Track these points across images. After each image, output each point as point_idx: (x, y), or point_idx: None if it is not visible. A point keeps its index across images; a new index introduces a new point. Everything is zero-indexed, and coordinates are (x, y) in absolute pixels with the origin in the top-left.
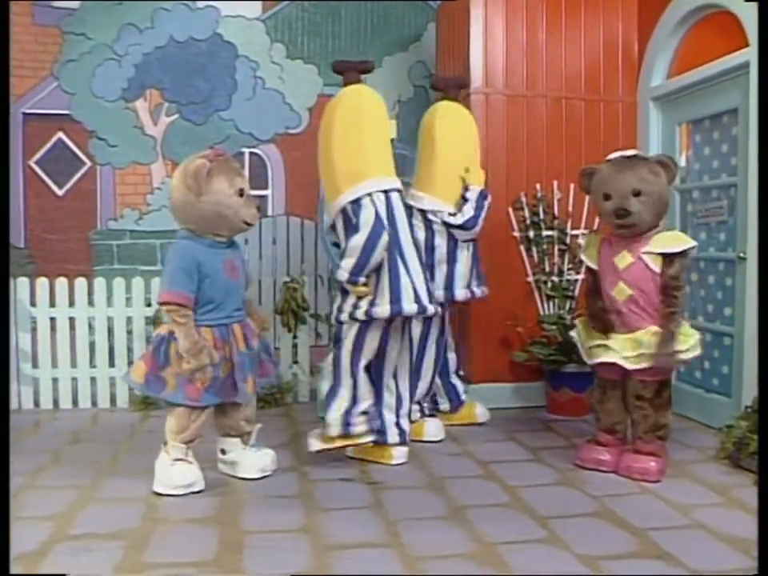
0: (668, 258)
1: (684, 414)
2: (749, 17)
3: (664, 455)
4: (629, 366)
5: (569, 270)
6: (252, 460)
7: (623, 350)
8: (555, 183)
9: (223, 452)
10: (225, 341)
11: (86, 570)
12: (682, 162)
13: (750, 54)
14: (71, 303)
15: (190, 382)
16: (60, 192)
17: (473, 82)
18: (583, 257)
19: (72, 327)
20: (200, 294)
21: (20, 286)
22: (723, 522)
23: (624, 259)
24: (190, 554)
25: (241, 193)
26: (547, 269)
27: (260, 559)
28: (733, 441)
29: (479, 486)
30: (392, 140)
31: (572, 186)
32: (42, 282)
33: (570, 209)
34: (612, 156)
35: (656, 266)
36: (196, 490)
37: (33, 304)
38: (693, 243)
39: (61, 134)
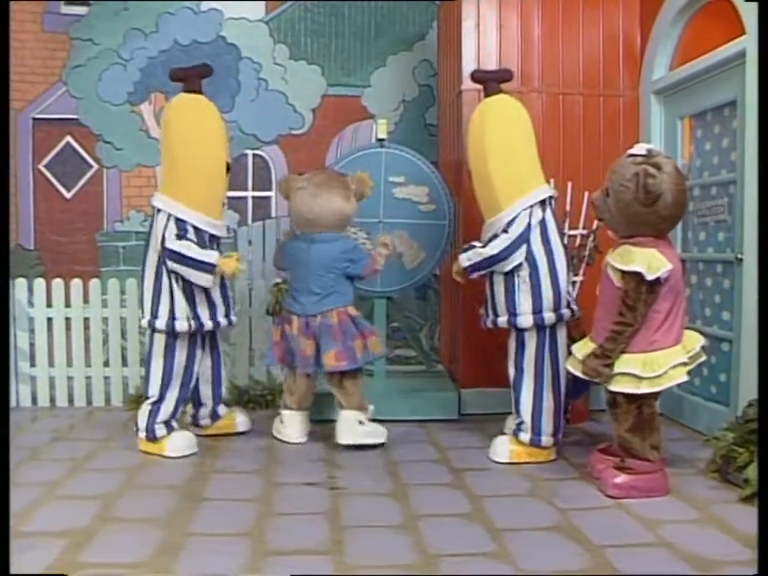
0: (623, 273)
1: (684, 422)
2: (745, 4)
3: (645, 471)
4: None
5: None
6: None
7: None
8: (552, 181)
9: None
10: None
11: (20, 569)
12: (685, 159)
13: (746, 43)
14: (67, 304)
15: None
16: (68, 195)
17: (464, 80)
18: None
19: (68, 327)
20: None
21: (18, 287)
22: (691, 541)
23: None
24: (126, 555)
25: None
26: None
27: (193, 562)
28: (721, 454)
29: (444, 494)
30: (382, 140)
31: (569, 183)
32: (39, 283)
33: (568, 207)
34: (641, 147)
35: (614, 276)
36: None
37: (32, 304)
38: (641, 267)
39: (69, 138)
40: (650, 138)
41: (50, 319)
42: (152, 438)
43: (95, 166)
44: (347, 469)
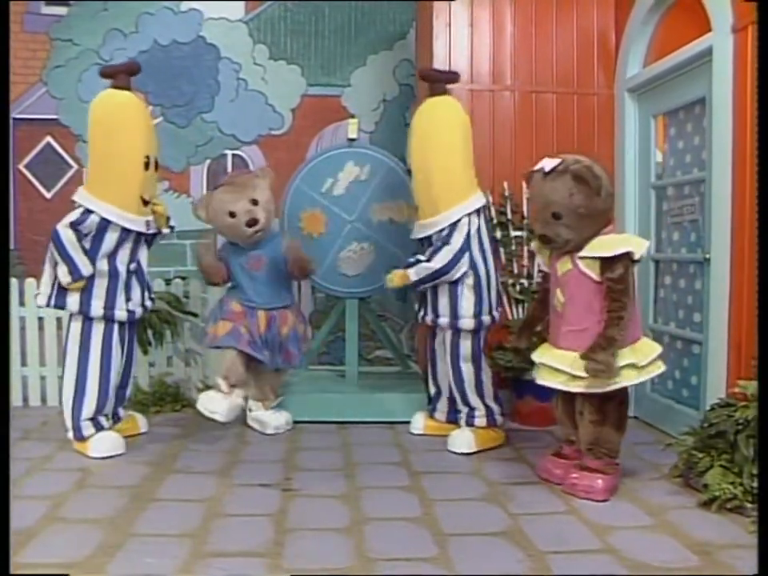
0: (606, 262)
1: (657, 426)
2: (712, 0)
3: (614, 473)
4: (558, 385)
5: (539, 272)
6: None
7: (561, 365)
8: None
9: (250, 410)
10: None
11: None
12: (659, 158)
13: (713, 40)
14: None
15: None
16: (48, 195)
17: None
18: (539, 258)
19: (41, 327)
20: None
21: None
22: (638, 548)
23: (564, 264)
24: (61, 555)
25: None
26: (515, 271)
27: (127, 563)
28: (684, 458)
29: (396, 498)
30: (353, 140)
31: None
32: (12, 283)
33: None
34: (540, 165)
35: (592, 271)
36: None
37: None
38: (630, 247)
39: (49, 138)
40: (624, 136)
41: (22, 318)
42: (79, 437)
43: (75, 166)
44: (305, 470)
